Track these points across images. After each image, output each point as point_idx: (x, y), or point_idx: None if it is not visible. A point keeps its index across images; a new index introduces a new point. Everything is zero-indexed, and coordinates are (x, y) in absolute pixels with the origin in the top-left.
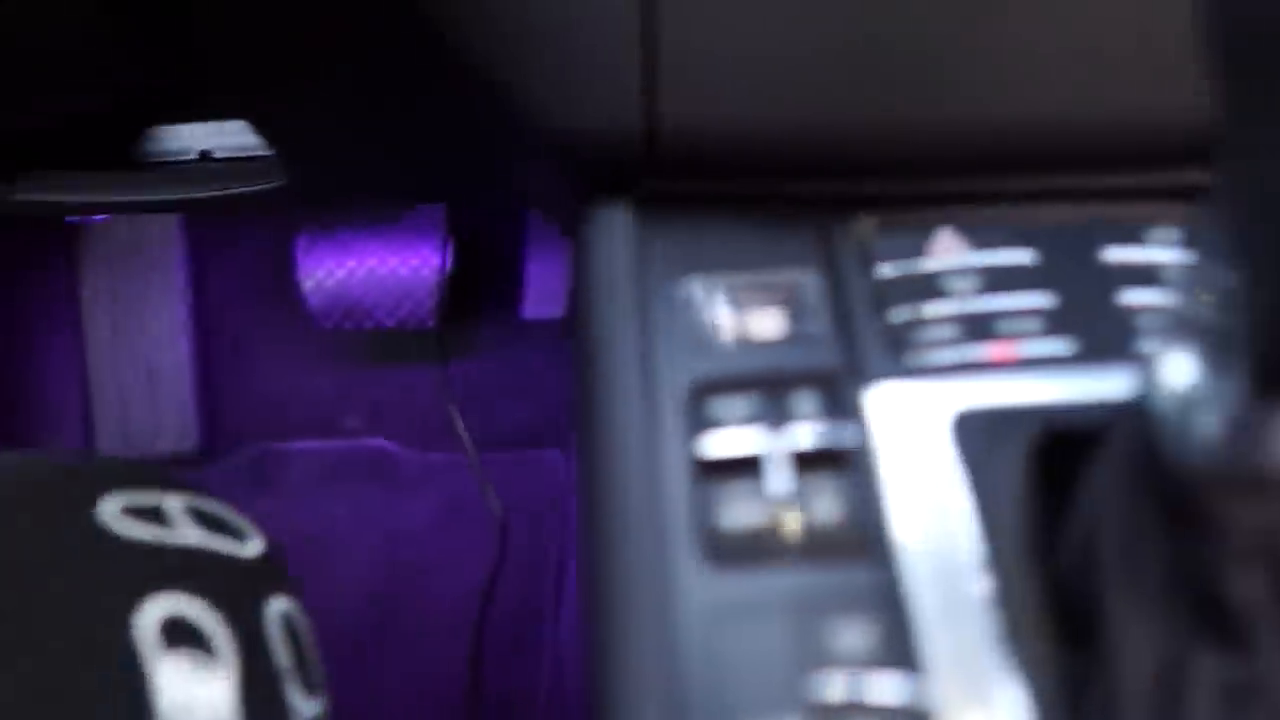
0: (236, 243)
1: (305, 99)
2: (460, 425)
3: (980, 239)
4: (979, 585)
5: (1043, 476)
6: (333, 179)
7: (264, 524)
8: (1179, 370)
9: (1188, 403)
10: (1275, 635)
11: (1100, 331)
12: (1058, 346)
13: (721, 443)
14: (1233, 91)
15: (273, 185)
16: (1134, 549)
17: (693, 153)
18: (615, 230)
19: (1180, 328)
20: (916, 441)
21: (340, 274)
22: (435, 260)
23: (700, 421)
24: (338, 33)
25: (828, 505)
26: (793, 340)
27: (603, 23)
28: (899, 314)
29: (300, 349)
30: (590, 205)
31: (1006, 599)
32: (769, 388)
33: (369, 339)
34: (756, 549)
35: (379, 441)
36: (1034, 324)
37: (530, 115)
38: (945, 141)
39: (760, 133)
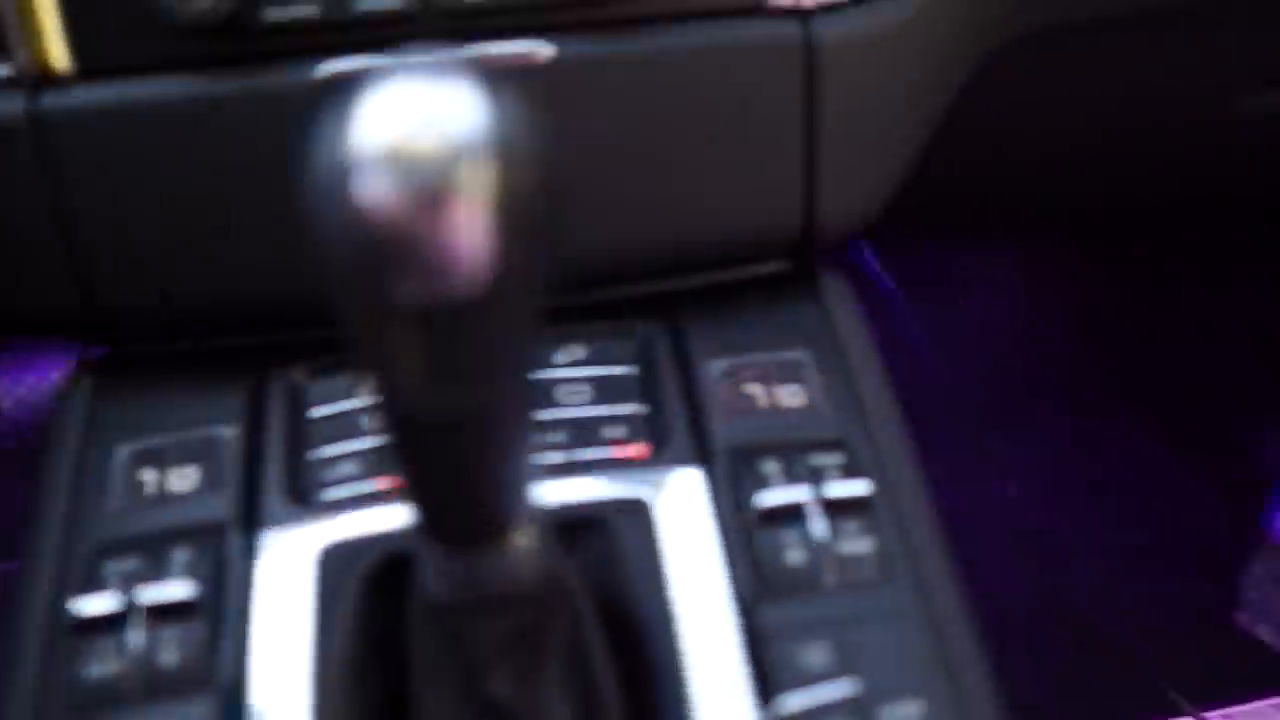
0: None
1: None
2: None
3: None
4: (300, 706)
5: (385, 597)
6: None
7: None
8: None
9: (420, 541)
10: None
11: None
12: None
13: (94, 603)
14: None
15: None
16: (434, 662)
17: (130, 322)
18: (72, 392)
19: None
20: (288, 579)
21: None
22: None
23: (92, 581)
24: None
25: (175, 653)
26: (199, 495)
27: (29, 233)
28: (315, 454)
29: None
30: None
31: (322, 716)
32: (155, 545)
33: None
34: (112, 698)
35: None
36: None
37: None
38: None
39: (189, 301)
